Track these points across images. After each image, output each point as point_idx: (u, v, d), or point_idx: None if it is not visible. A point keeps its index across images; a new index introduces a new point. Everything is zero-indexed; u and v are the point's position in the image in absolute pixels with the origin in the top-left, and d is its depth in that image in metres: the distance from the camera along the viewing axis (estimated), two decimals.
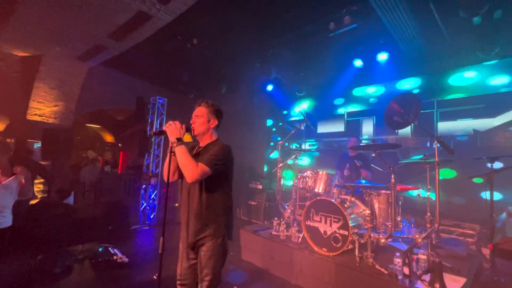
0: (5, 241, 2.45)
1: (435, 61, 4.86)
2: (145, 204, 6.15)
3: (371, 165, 4.29)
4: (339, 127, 6.34)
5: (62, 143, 5.52)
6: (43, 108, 6.22)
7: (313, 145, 6.81)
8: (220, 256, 1.81)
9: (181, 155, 1.72)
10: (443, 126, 4.81)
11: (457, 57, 4.63)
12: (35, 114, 6.17)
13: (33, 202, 4.29)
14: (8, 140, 6.31)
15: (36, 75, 5.91)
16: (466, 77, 4.67)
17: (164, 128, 1.83)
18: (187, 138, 1.94)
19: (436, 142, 2.84)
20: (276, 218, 4.01)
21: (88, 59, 6.00)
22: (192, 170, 1.68)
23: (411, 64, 5.08)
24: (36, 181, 5.00)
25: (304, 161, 6.84)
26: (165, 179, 1.86)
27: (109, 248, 3.81)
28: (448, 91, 4.83)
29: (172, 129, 1.79)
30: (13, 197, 3.23)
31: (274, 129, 7.87)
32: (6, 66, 5.89)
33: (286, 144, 6.64)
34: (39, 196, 4.86)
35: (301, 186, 3.91)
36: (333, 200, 3.20)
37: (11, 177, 3.20)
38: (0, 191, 3.10)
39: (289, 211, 3.99)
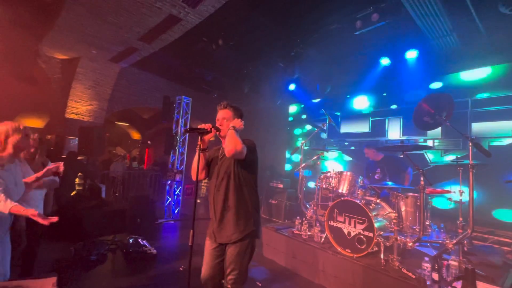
0: (38, 229, 2.65)
1: (470, 58, 4.60)
2: (170, 199, 6.41)
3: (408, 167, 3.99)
4: (363, 127, 6.19)
5: (96, 140, 5.95)
6: (79, 107, 6.69)
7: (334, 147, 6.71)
8: (247, 253, 1.85)
9: (233, 136, 1.80)
10: (478, 127, 4.54)
11: (495, 54, 4.35)
12: (72, 113, 6.65)
13: (73, 193, 4.64)
14: (49, 136, 6.85)
15: (73, 76, 6.38)
16: (506, 75, 4.37)
17: (200, 126, 1.88)
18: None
19: (470, 144, 2.71)
20: (298, 217, 4.02)
21: (120, 60, 6.36)
22: (236, 145, 1.75)
23: (443, 61, 4.84)
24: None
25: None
26: (193, 177, 1.92)
27: (139, 240, 4.03)
28: (485, 89, 4.54)
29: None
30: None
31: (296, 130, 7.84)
32: (49, 68, 6.42)
33: (308, 143, 6.60)
34: (76, 188, 5.23)
35: (324, 186, 3.88)
36: (357, 201, 3.16)
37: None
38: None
39: (311, 210, 3.98)
